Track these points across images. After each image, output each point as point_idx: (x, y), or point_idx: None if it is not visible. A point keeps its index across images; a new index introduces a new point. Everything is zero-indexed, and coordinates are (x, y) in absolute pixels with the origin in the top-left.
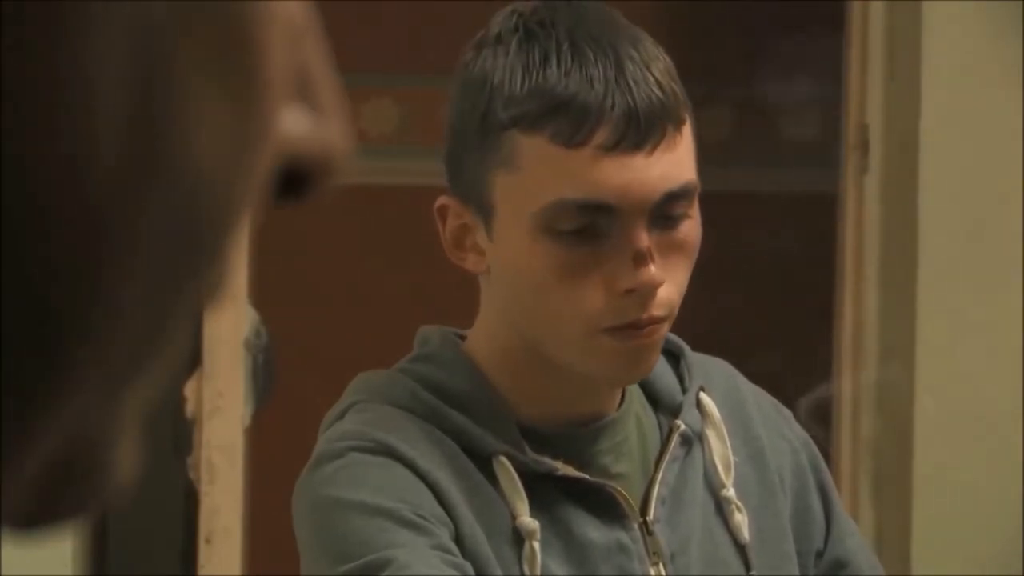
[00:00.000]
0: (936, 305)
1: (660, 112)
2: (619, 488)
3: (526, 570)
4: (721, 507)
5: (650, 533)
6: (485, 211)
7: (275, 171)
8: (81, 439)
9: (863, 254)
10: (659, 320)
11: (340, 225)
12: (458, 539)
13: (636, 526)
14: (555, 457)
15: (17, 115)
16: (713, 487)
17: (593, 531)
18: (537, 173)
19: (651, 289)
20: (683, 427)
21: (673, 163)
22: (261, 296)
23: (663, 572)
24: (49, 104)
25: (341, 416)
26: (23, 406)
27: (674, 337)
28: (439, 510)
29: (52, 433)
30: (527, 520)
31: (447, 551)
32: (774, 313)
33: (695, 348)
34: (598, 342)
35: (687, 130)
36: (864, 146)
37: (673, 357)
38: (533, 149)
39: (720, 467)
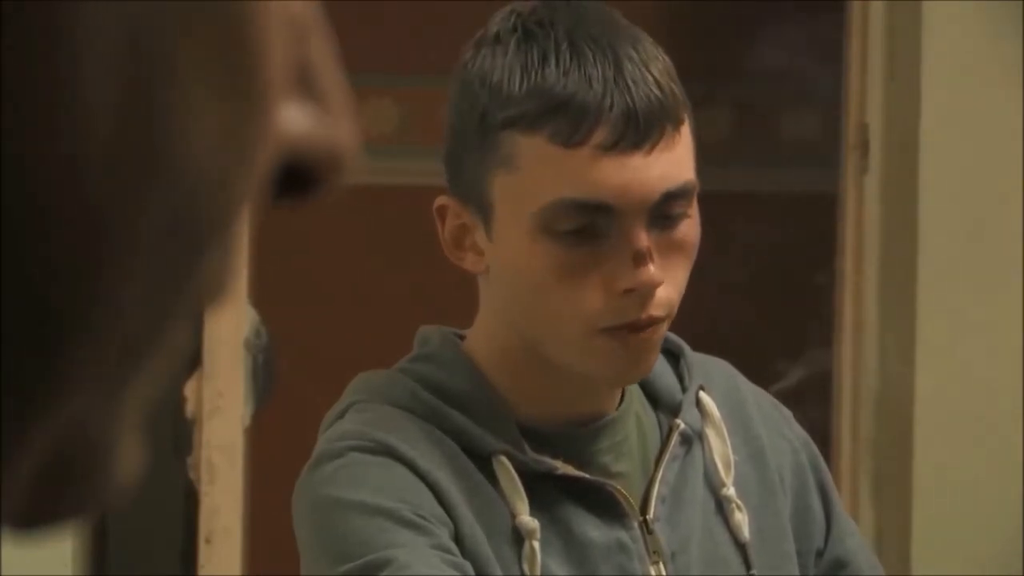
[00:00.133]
0: (936, 305)
1: (659, 112)
2: (619, 487)
3: (526, 569)
4: (721, 506)
5: (650, 532)
6: (484, 211)
7: (277, 169)
8: (81, 438)
9: (863, 254)
10: (658, 320)
11: (340, 225)
12: (458, 539)
13: (636, 525)
14: (555, 456)
15: (17, 115)
16: (713, 486)
17: (593, 530)
18: (536, 173)
19: (650, 289)
20: (683, 426)
21: (672, 163)
22: (261, 296)
23: (663, 571)
24: (48, 104)
25: (341, 416)
26: (22, 405)
27: (674, 336)
28: (439, 510)
29: (51, 432)
30: (527, 519)
31: (447, 551)
32: (774, 313)
33: (695, 348)
34: (597, 342)
35: (686, 130)
36: (864, 146)
37: (673, 356)
38: (532, 149)
39: (720, 466)
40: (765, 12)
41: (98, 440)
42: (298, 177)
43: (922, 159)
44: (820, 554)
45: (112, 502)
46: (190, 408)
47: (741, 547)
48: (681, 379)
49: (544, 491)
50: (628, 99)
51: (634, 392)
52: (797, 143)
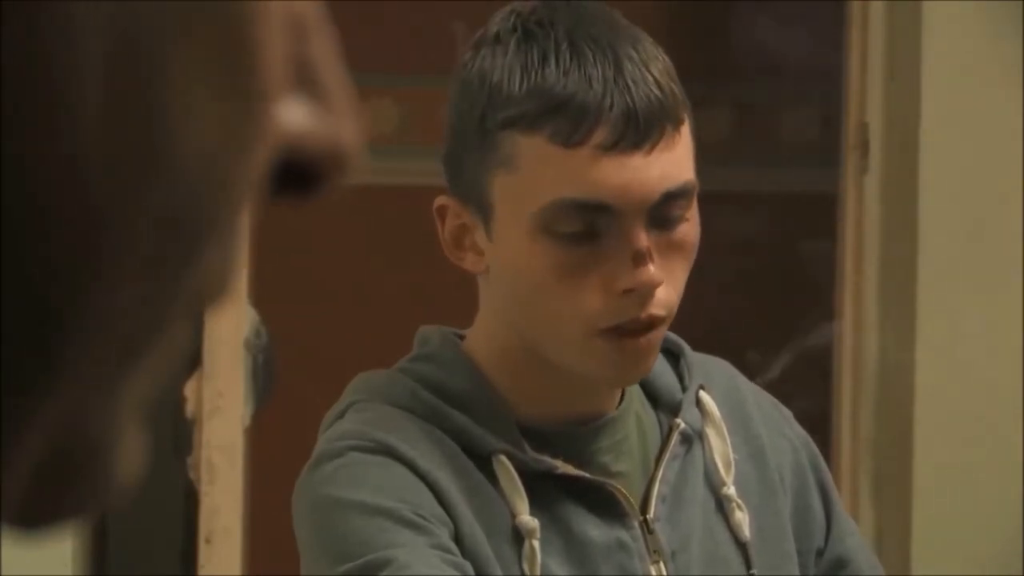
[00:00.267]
0: (936, 305)
1: (659, 112)
2: (619, 486)
3: (526, 569)
4: (722, 505)
5: (650, 531)
6: (484, 211)
7: (279, 166)
8: (80, 437)
9: (863, 254)
10: (658, 320)
11: (340, 225)
12: (458, 538)
13: (636, 524)
14: (555, 456)
15: (17, 115)
16: (713, 485)
17: (593, 529)
18: (536, 173)
19: (650, 289)
20: (683, 425)
21: (672, 163)
22: (261, 296)
23: (664, 570)
24: (47, 104)
25: (341, 416)
26: (21, 404)
27: (674, 336)
28: (439, 509)
29: (50, 431)
30: (527, 519)
31: (447, 550)
32: (774, 313)
33: (695, 348)
34: (596, 343)
35: (686, 130)
36: (864, 146)
37: (673, 356)
38: (532, 149)
39: (720, 465)
40: (765, 12)
41: (98, 439)
42: (301, 175)
43: (922, 159)
44: (820, 553)
45: (112, 502)
46: (190, 408)
47: (741, 546)
48: (681, 379)
49: (544, 490)
50: (628, 99)
51: (634, 392)
52: (797, 143)
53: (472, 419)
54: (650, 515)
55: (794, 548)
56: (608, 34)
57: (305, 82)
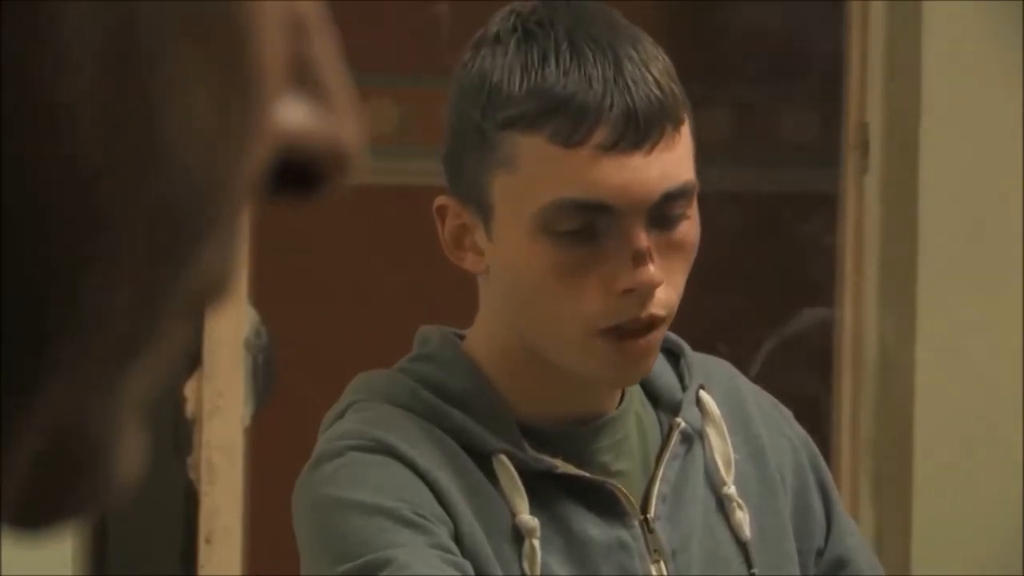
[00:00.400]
0: (936, 305)
1: (659, 112)
2: (619, 486)
3: (526, 568)
4: (722, 504)
5: (651, 531)
6: (484, 211)
7: (279, 166)
8: (80, 437)
9: (863, 254)
10: (658, 319)
11: (340, 225)
12: (458, 538)
13: (637, 523)
14: (555, 455)
15: (16, 115)
16: (714, 484)
17: (593, 529)
18: (536, 173)
19: (650, 289)
20: (683, 425)
21: (672, 163)
22: (261, 296)
23: (664, 570)
24: (47, 104)
25: (341, 415)
26: (21, 403)
27: (674, 336)
28: (439, 509)
29: (50, 431)
30: (527, 518)
31: (447, 550)
32: (774, 313)
33: (696, 348)
34: (596, 343)
35: (686, 130)
36: (864, 146)
37: (673, 356)
38: (532, 149)
39: (721, 464)
40: (765, 12)
41: (97, 439)
42: (303, 175)
43: (922, 159)
44: (820, 553)
45: (112, 501)
46: (190, 408)
47: (742, 546)
48: (681, 378)
49: (544, 490)
50: (628, 99)
51: (634, 391)
52: (797, 143)
53: (472, 418)
54: (650, 514)
55: (794, 548)
56: (608, 34)
57: (305, 82)
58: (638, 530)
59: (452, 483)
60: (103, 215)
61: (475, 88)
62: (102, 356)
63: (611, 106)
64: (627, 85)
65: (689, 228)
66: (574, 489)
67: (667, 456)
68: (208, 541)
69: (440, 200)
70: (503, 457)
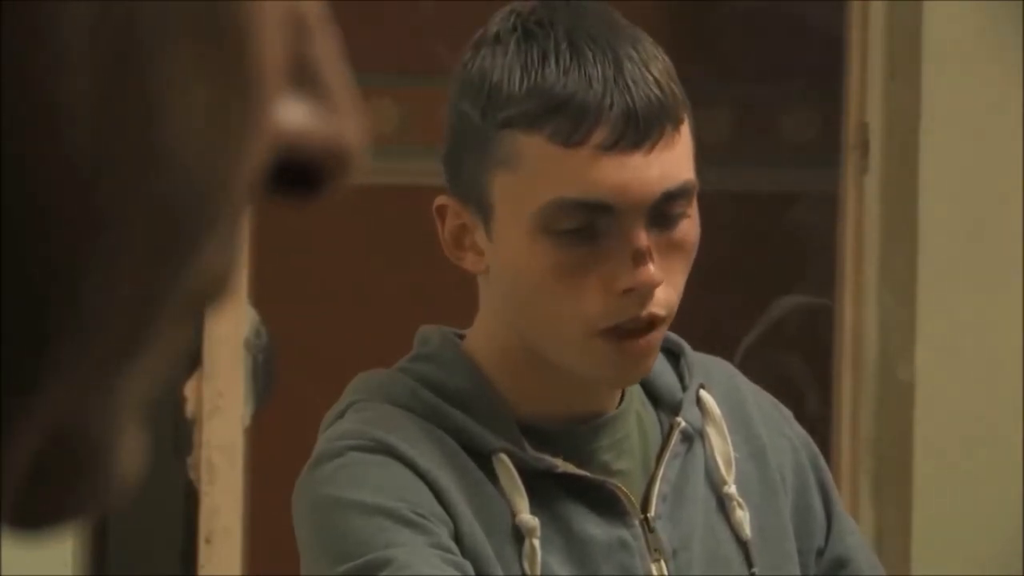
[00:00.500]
0: (936, 305)
1: (659, 111)
2: (620, 485)
3: (527, 568)
4: (723, 504)
5: (651, 530)
6: (484, 211)
7: (280, 165)
8: (79, 437)
9: (863, 254)
10: (659, 319)
11: (340, 225)
12: (458, 537)
13: (637, 523)
14: (555, 454)
15: (16, 115)
16: (714, 484)
17: (594, 528)
18: (536, 172)
19: (650, 288)
20: (684, 424)
21: (672, 162)
22: (261, 296)
23: (665, 569)
24: (46, 104)
25: (341, 415)
26: (20, 403)
27: (674, 336)
28: (438, 509)
29: (50, 431)
30: (527, 517)
31: (447, 550)
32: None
33: (696, 348)
34: (596, 344)
35: (685, 129)
36: (864, 146)
37: (673, 356)
38: (532, 148)
39: (721, 464)
40: (765, 12)
41: (97, 439)
42: (304, 175)
43: (922, 159)
44: (820, 553)
45: (113, 501)
46: (190, 408)
47: (743, 545)
48: (681, 378)
49: (544, 489)
50: (628, 99)
51: (634, 391)
52: (797, 143)
53: (472, 418)
54: (651, 514)
55: (795, 547)
56: (608, 34)
57: (306, 81)
58: (639, 529)
59: (452, 483)
60: (103, 215)
61: (475, 88)
62: (102, 356)
63: (611, 106)
64: (627, 85)
65: (689, 227)
66: (574, 488)
67: (668, 455)
68: (208, 541)
69: (440, 200)
70: (503, 456)
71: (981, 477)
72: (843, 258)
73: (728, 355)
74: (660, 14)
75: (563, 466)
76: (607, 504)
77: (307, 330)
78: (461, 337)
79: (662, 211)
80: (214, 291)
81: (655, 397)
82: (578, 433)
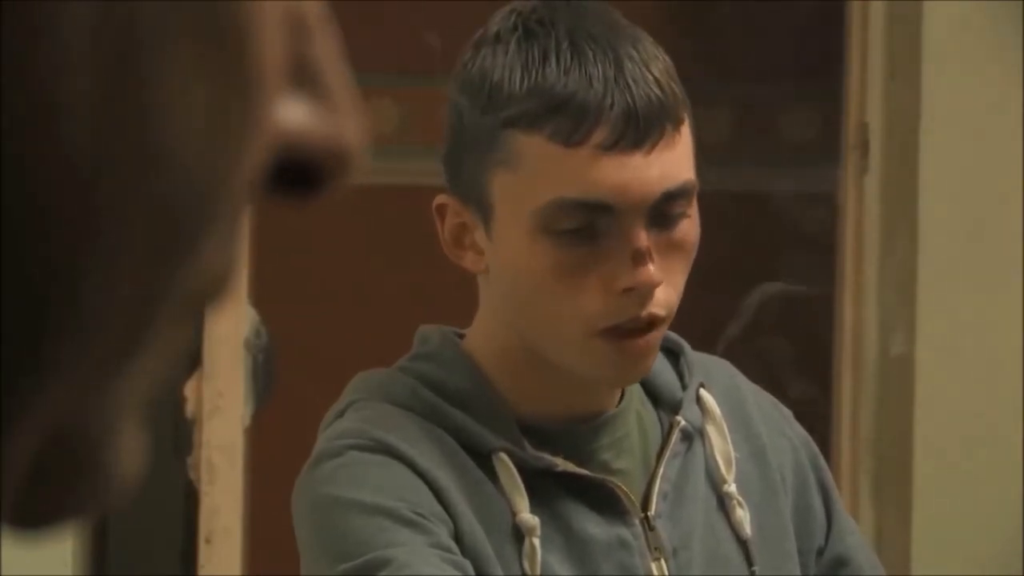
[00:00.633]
0: (936, 305)
1: (659, 111)
2: (620, 484)
3: (526, 567)
4: (723, 503)
5: (651, 529)
6: (484, 210)
7: (279, 165)
8: (79, 437)
9: (863, 254)
10: (658, 319)
11: (340, 225)
12: (457, 537)
13: (637, 522)
14: (555, 454)
15: (16, 115)
16: (714, 483)
17: (594, 527)
18: (536, 172)
19: (649, 288)
20: (683, 423)
21: (672, 162)
22: (261, 296)
23: (665, 568)
24: (46, 104)
25: (341, 415)
26: (20, 403)
27: (673, 335)
28: (438, 508)
29: (49, 430)
30: (527, 516)
31: (446, 549)
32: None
33: (696, 348)
34: (595, 343)
35: (686, 129)
36: (864, 146)
37: (672, 355)
38: (532, 148)
39: (721, 463)
40: (765, 12)
41: (97, 438)
42: (304, 175)
43: (922, 159)
44: (821, 552)
45: (113, 501)
46: (190, 408)
47: (743, 544)
48: (681, 377)
49: (544, 488)
50: (628, 98)
51: (634, 390)
52: (797, 143)
53: (472, 417)
54: (651, 512)
55: (795, 547)
56: (608, 33)
57: (306, 81)
58: (639, 528)
59: (452, 482)
60: (103, 215)
61: (475, 87)
62: (102, 356)
63: (612, 105)
64: (628, 84)
65: (689, 227)
66: (574, 487)
67: (668, 454)
68: (208, 541)
69: (440, 199)
70: (503, 455)
71: (981, 477)
72: (843, 258)
73: (728, 354)
74: (660, 14)
75: (563, 465)
76: (607, 503)
77: (307, 330)
78: (461, 336)
79: (662, 211)
80: (214, 291)
81: (655, 396)
82: (578, 432)
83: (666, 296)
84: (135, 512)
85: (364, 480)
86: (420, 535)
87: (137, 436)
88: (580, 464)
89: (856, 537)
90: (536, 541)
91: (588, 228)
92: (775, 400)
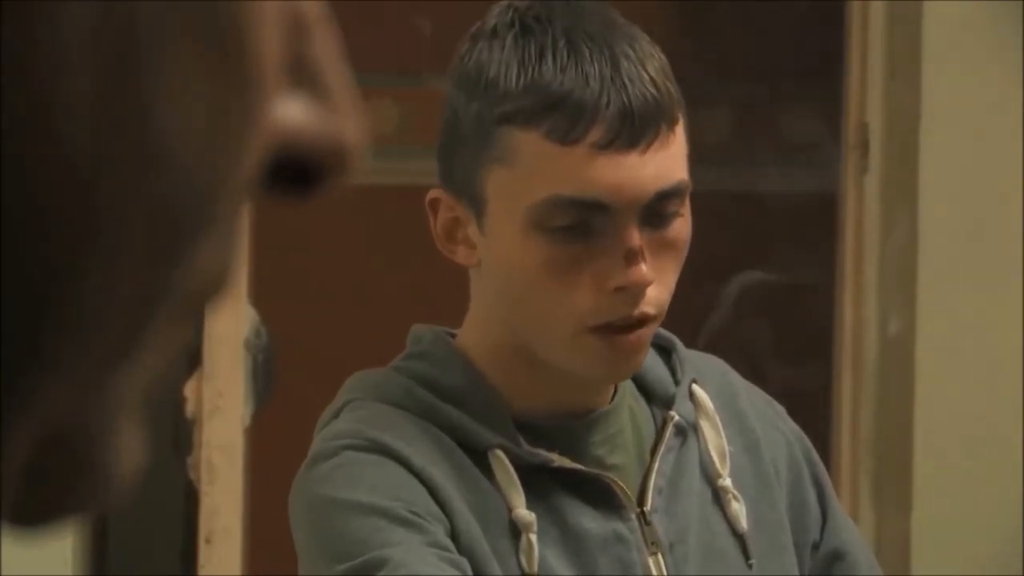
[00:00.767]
0: (936, 305)
1: (655, 111)
2: (615, 478)
3: (523, 563)
4: (718, 497)
5: (648, 523)
6: (477, 205)
7: (278, 164)
8: (79, 436)
9: (863, 254)
10: (649, 318)
11: (340, 225)
12: (454, 535)
13: (634, 516)
14: (549, 450)
15: (16, 115)
16: (709, 477)
17: (590, 522)
18: (531, 169)
19: (641, 288)
20: (677, 418)
21: (666, 162)
22: (261, 296)
23: (661, 562)
24: (46, 104)
25: (336, 415)
26: (19, 402)
27: (665, 332)
28: (434, 507)
29: (48, 429)
30: (523, 512)
31: (443, 548)
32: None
33: (695, 348)
34: (585, 341)
35: (680, 129)
36: (864, 146)
37: (664, 351)
38: (528, 145)
39: (715, 457)
40: (765, 12)
41: (97, 438)
42: (304, 174)
43: (922, 159)
44: (816, 546)
45: (113, 499)
46: (190, 408)
47: (739, 537)
48: (673, 372)
49: (540, 484)
50: (625, 98)
51: (627, 386)
52: (797, 143)
53: (467, 414)
54: (647, 507)
55: (791, 540)
56: (605, 32)
57: (306, 81)
58: (635, 523)
59: (448, 480)
60: (103, 215)
61: (471, 82)
62: (101, 356)
63: (608, 104)
64: (624, 84)
65: (681, 227)
66: (570, 483)
67: (662, 449)
68: (208, 541)
69: (433, 193)
70: (499, 452)
71: (981, 477)
72: (843, 258)
73: (725, 355)
74: (660, 14)
75: (559, 460)
76: (603, 498)
77: (307, 330)
78: (452, 336)
79: (655, 210)
80: (213, 290)
81: (647, 392)
82: (571, 428)
83: (657, 295)
84: (135, 512)
85: (360, 480)
86: (417, 534)
87: (137, 436)
88: (574, 460)
89: (851, 532)
90: (533, 537)
91: (582, 226)
92: (767, 396)
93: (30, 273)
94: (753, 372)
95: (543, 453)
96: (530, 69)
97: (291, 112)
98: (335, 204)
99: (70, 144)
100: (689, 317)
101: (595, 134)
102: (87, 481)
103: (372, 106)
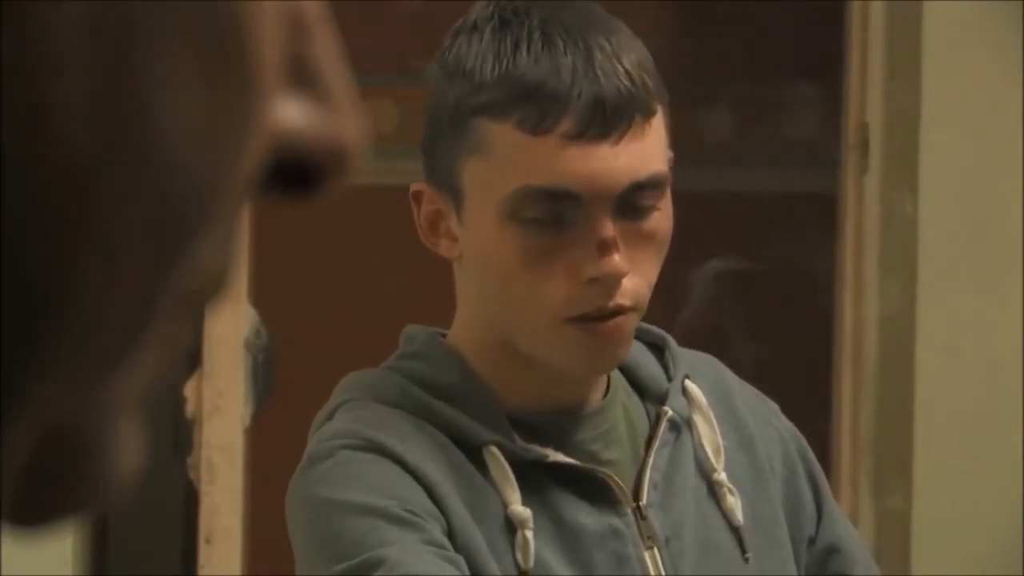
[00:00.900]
0: (936, 305)
1: (628, 102)
2: (611, 473)
3: (520, 559)
4: (713, 491)
5: (643, 518)
6: (456, 197)
7: (278, 164)
8: (79, 436)
9: (863, 254)
10: (625, 309)
11: (340, 225)
12: (450, 533)
13: (629, 511)
14: (544, 446)
15: (16, 116)
16: (704, 471)
17: (585, 517)
18: (504, 160)
19: (615, 278)
20: (671, 413)
21: (640, 153)
22: (261, 296)
23: (658, 556)
24: (46, 105)
25: (331, 415)
26: (18, 401)
27: (657, 330)
28: (430, 505)
29: (48, 428)
30: (519, 508)
31: (439, 546)
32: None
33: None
34: (562, 332)
35: (658, 121)
36: (864, 146)
37: (657, 349)
38: (500, 136)
39: (710, 451)
40: (765, 12)
41: (96, 437)
42: (303, 174)
43: (922, 159)
44: (812, 542)
45: (113, 499)
46: (190, 408)
47: (735, 531)
48: (666, 369)
49: (535, 480)
50: (596, 89)
51: (619, 383)
52: (797, 143)
53: (462, 411)
54: (643, 502)
55: (787, 535)
56: (581, 25)
57: (305, 81)
58: (631, 517)
59: (443, 478)
60: (103, 215)
61: (450, 75)
62: (101, 355)
63: (579, 95)
64: (596, 75)
65: (660, 220)
66: (565, 478)
67: (656, 444)
68: (208, 541)
69: (416, 186)
70: (493, 448)
71: (981, 477)
72: (843, 258)
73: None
74: (660, 14)
75: (554, 456)
76: (598, 493)
77: (307, 330)
78: (443, 336)
79: (630, 202)
80: (213, 290)
81: (640, 388)
82: (564, 424)
83: (634, 286)
84: (135, 512)
85: (356, 480)
86: (413, 533)
87: (137, 436)
88: (569, 456)
89: (846, 527)
90: (529, 533)
91: (555, 217)
92: (761, 394)
93: (30, 273)
94: (753, 372)
95: (538, 449)
96: (504, 61)
97: (291, 112)
98: (335, 204)
99: (70, 144)
100: (690, 318)
101: (566, 124)
102: (87, 481)
103: (372, 106)
